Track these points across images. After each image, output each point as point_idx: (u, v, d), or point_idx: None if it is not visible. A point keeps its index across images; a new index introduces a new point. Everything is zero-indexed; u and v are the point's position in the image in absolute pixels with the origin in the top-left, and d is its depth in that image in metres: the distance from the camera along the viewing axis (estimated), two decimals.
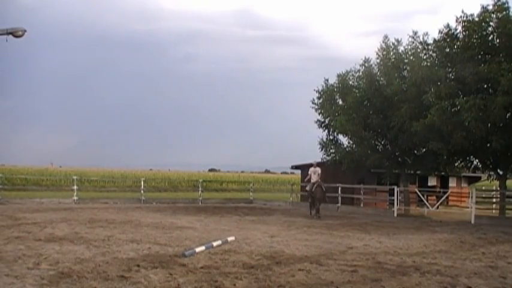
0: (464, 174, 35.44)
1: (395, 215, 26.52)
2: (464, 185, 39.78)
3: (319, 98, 30.06)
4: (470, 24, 23.70)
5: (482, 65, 22.78)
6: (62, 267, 9.76)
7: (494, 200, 31.37)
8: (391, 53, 27.88)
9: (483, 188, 37.70)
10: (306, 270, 10.20)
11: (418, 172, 31.69)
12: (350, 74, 29.45)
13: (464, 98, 22.73)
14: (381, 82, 28.05)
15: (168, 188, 47.38)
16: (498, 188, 28.53)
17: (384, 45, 28.22)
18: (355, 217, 24.91)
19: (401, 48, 27.80)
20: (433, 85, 24.49)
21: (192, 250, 11.75)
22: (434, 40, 25.43)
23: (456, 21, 24.22)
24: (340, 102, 29.71)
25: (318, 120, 30.56)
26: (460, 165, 29.17)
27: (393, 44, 28.07)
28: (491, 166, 26.73)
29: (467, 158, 27.52)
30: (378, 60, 28.40)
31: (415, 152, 29.14)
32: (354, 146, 29.46)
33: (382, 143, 29.79)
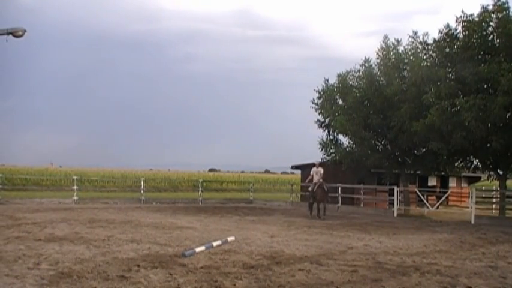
0: (464, 174, 35.45)
1: (395, 215, 26.52)
2: (464, 185, 39.79)
3: (319, 98, 30.07)
4: (470, 24, 23.70)
5: (482, 65, 22.78)
6: (62, 267, 9.76)
7: (494, 200, 31.36)
8: (391, 53, 27.88)
9: (483, 188, 37.70)
10: (306, 270, 10.21)
11: (418, 172, 31.69)
12: (350, 74, 29.47)
13: (464, 98, 22.73)
14: (381, 82, 28.06)
15: (168, 188, 47.37)
16: (498, 188, 28.53)
17: (384, 45, 28.22)
18: (355, 217, 24.91)
19: (401, 48, 27.81)
20: (433, 85, 24.49)
21: (192, 250, 11.75)
22: (434, 40, 25.43)
23: (456, 21, 24.23)
24: (340, 102, 29.72)
25: (318, 120, 30.59)
26: (460, 165, 29.17)
27: (393, 44, 28.08)
28: (491, 166, 26.72)
29: (467, 158, 27.52)
30: (378, 60, 28.40)
31: (415, 152, 29.14)
32: (354, 146, 29.47)
33: (382, 143, 29.79)
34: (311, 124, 31.09)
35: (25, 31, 16.56)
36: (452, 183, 38.37)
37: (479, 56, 23.73)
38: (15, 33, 16.36)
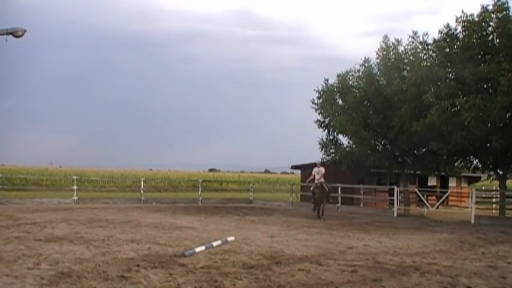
0: (464, 174, 35.43)
1: (395, 215, 26.51)
2: (464, 185, 39.76)
3: (319, 98, 30.07)
4: (470, 24, 23.70)
5: (482, 65, 22.79)
6: (62, 267, 9.76)
7: (494, 200, 31.38)
8: (391, 53, 27.87)
9: (483, 188, 37.70)
10: (305, 270, 10.21)
11: (418, 172, 31.67)
12: (350, 74, 29.46)
13: (464, 98, 22.74)
14: (380, 82, 28.05)
15: (168, 188, 47.34)
16: (498, 188, 28.53)
17: (383, 45, 28.21)
18: (355, 217, 24.90)
19: (401, 48, 27.80)
20: (433, 85, 24.48)
21: (192, 250, 11.75)
22: (434, 40, 25.42)
23: (456, 21, 24.23)
24: (340, 102, 29.71)
25: (318, 120, 30.57)
26: (460, 165, 29.16)
27: (393, 44, 28.07)
28: (491, 166, 26.72)
29: (467, 158, 27.51)
30: (378, 60, 28.39)
31: (415, 152, 29.13)
32: (354, 146, 29.46)
33: (382, 143, 29.78)
34: (311, 124, 31.11)
35: (25, 31, 16.57)
36: (452, 183, 38.34)
37: (479, 56, 23.73)
38: (15, 33, 16.37)
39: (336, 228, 19.24)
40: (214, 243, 12.99)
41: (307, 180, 25.44)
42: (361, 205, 30.53)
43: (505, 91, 21.70)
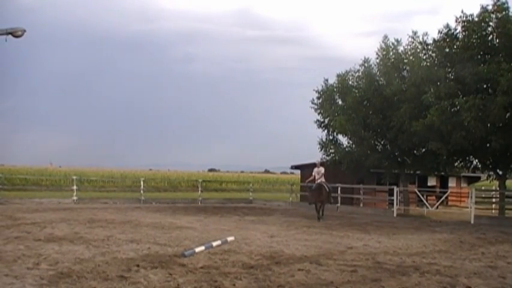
0: (463, 174, 35.44)
1: (394, 215, 26.52)
2: (463, 185, 39.78)
3: (318, 98, 30.08)
4: (469, 24, 23.71)
5: (482, 65, 22.80)
6: (62, 267, 9.76)
7: (493, 200, 31.34)
8: (391, 53, 27.88)
9: (483, 188, 37.67)
10: (305, 270, 10.21)
11: (418, 172, 31.70)
12: (350, 74, 29.47)
13: (464, 98, 22.74)
14: (380, 82, 28.06)
15: (168, 188, 47.36)
16: (498, 188, 28.53)
17: (383, 45, 28.22)
18: (354, 217, 24.91)
19: (401, 48, 27.82)
20: (433, 85, 24.49)
21: (191, 250, 11.75)
22: (434, 40, 25.42)
23: (456, 21, 24.24)
24: (340, 102, 29.72)
25: (318, 120, 30.57)
26: (460, 165, 29.15)
27: (393, 44, 28.08)
28: (490, 166, 26.73)
29: (467, 158, 27.50)
30: (378, 60, 28.40)
31: (415, 152, 29.13)
32: (354, 146, 29.48)
33: (382, 143, 29.79)
34: (311, 124, 31.11)
35: (24, 31, 16.59)
36: (451, 183, 38.36)
37: (479, 56, 23.74)
38: (14, 33, 16.39)
39: (336, 228, 19.24)
40: (214, 243, 12.99)
41: (307, 181, 25.35)
42: (361, 205, 30.54)
43: (505, 91, 21.71)
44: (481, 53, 23.80)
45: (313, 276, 9.70)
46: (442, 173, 32.77)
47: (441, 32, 24.87)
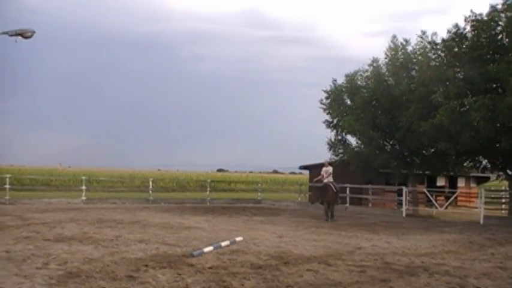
0: (473, 174, 35.22)
1: (403, 215, 26.44)
2: (473, 185, 39.61)
3: (327, 98, 30.08)
4: (479, 24, 23.56)
5: (491, 64, 22.64)
6: (71, 267, 9.79)
7: (503, 200, 31.23)
8: (400, 53, 27.82)
9: (492, 188, 37.50)
10: (314, 271, 10.20)
11: (427, 172, 31.60)
12: (358, 74, 29.44)
13: (473, 98, 22.62)
14: (389, 82, 28.01)
15: (176, 188, 47.42)
16: (507, 188, 28.39)
17: (392, 45, 28.17)
18: (363, 217, 24.86)
19: (409, 48, 27.76)
20: (442, 85, 24.39)
21: (200, 250, 11.76)
22: (443, 40, 25.30)
23: (465, 20, 24.07)
24: (349, 102, 29.70)
25: (326, 121, 30.54)
26: (469, 165, 29.03)
27: (401, 43, 28.01)
28: (500, 166, 26.60)
29: (476, 158, 27.40)
30: (386, 60, 28.36)
31: (424, 152, 29.05)
32: (362, 146, 29.42)
33: (391, 143, 29.73)
34: (319, 124, 31.09)
35: (34, 32, 16.69)
36: (461, 183, 38.21)
37: (488, 56, 23.60)
38: (24, 34, 16.48)
39: (344, 228, 19.21)
40: (223, 244, 13.00)
41: (314, 180, 25.30)
42: (370, 205, 30.51)
43: None
44: (490, 52, 23.66)
45: (322, 277, 9.69)
46: (451, 173, 32.65)
47: (450, 32, 24.74)
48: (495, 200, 31.66)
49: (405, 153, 29.25)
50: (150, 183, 31.99)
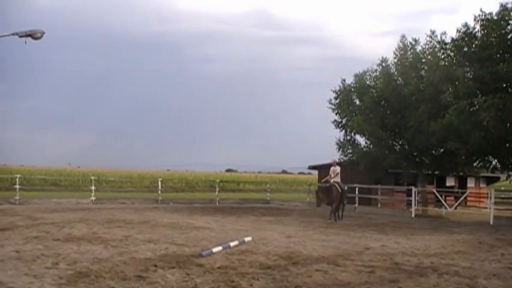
0: (482, 174, 35.09)
1: (413, 215, 26.36)
2: (482, 185, 39.45)
3: (336, 98, 30.06)
4: (488, 23, 23.44)
5: (501, 64, 22.54)
6: (80, 267, 9.83)
7: None
8: (409, 53, 27.76)
9: (502, 188, 37.34)
10: (323, 271, 10.19)
11: (436, 172, 31.50)
12: (367, 73, 29.42)
13: (483, 98, 22.52)
14: (398, 82, 27.95)
15: (185, 189, 47.51)
16: None
17: (401, 45, 28.11)
18: (372, 218, 24.81)
19: (418, 48, 27.69)
20: (451, 85, 24.31)
21: (209, 250, 11.77)
22: (452, 39, 25.18)
23: (474, 20, 23.95)
24: (357, 102, 29.67)
25: (335, 121, 30.53)
26: (479, 165, 28.90)
27: (411, 43, 27.96)
28: (510, 166, 26.46)
29: (486, 158, 27.26)
30: (395, 60, 28.29)
31: (433, 152, 28.96)
32: (371, 146, 29.38)
33: (400, 143, 29.66)
34: (328, 124, 31.07)
35: (43, 33, 16.76)
36: (470, 183, 38.05)
37: (498, 55, 23.48)
38: (34, 35, 16.56)
39: (353, 228, 19.18)
40: (232, 244, 13.00)
41: (322, 180, 25.22)
42: (379, 205, 30.42)
43: None
44: (500, 51, 23.53)
45: (331, 277, 9.68)
46: (461, 173, 32.53)
47: (459, 31, 24.62)
48: (505, 200, 31.50)
49: (414, 153, 29.17)
50: (159, 183, 32.08)
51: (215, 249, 11.94)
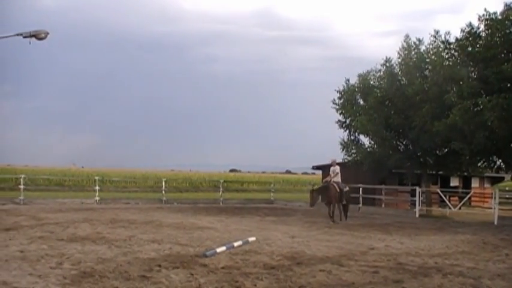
0: (487, 174, 35.01)
1: (417, 215, 26.32)
2: (487, 185, 39.39)
3: (340, 98, 30.00)
4: (493, 23, 23.38)
5: (506, 63, 22.46)
6: (84, 267, 9.85)
7: None
8: (413, 53, 27.69)
9: (506, 188, 37.28)
10: (326, 271, 10.18)
11: (440, 172, 31.43)
12: (371, 73, 29.34)
13: (487, 98, 22.45)
14: (402, 82, 27.89)
15: (189, 189, 47.58)
16: None
17: (405, 45, 28.04)
18: (376, 218, 24.78)
19: (422, 48, 27.61)
20: (455, 84, 24.27)
21: (213, 250, 11.78)
22: (457, 39, 25.11)
23: (479, 19, 23.86)
24: (361, 102, 29.61)
25: (339, 121, 30.48)
26: (483, 165, 28.82)
27: (415, 43, 27.87)
28: None
29: (490, 158, 27.20)
30: (399, 60, 28.23)
31: (437, 152, 28.91)
32: (375, 146, 29.33)
33: (404, 143, 29.61)
34: (332, 124, 31.03)
35: (47, 33, 16.77)
36: (474, 183, 37.98)
37: (502, 55, 23.42)
38: (38, 36, 16.58)
39: (357, 229, 19.16)
40: (235, 244, 13.01)
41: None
42: (383, 206, 30.39)
43: None
44: (505, 51, 23.48)
45: (335, 277, 9.68)
46: (465, 174, 32.47)
47: (464, 31, 24.54)
48: (509, 201, 31.45)
49: (418, 153, 29.11)
50: (163, 183, 32.10)
51: (219, 249, 11.95)
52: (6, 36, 17.15)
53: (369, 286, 9.08)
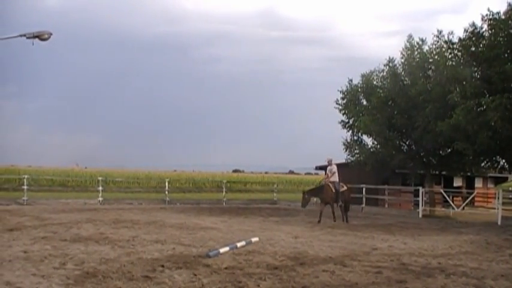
0: (490, 174, 34.95)
1: (420, 216, 26.30)
2: (490, 185, 39.29)
3: (343, 99, 30.01)
4: (496, 23, 23.33)
5: (509, 63, 22.41)
6: (87, 267, 9.86)
7: None
8: (416, 53, 27.69)
9: (510, 188, 37.20)
10: (330, 271, 10.18)
11: (443, 173, 31.41)
12: (374, 74, 29.35)
13: (490, 98, 22.40)
14: (405, 82, 27.89)
15: (192, 189, 47.50)
16: None
17: (408, 45, 28.05)
18: (379, 218, 24.76)
19: (425, 48, 27.63)
20: (459, 84, 24.22)
21: (216, 251, 11.78)
22: (460, 39, 25.05)
23: (482, 19, 23.81)
24: (364, 103, 29.61)
25: (342, 121, 30.48)
26: (486, 165, 28.78)
27: (418, 43, 27.89)
28: None
29: (494, 158, 27.15)
30: (402, 60, 28.23)
31: (440, 152, 28.89)
32: (379, 146, 29.32)
33: (407, 143, 29.60)
34: (335, 125, 31.01)
35: (51, 34, 16.77)
36: (478, 183, 37.88)
37: (506, 55, 23.36)
38: (41, 37, 16.58)
39: (360, 229, 19.14)
40: (239, 244, 13.01)
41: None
42: (386, 206, 30.37)
43: None
44: (508, 51, 23.41)
45: (338, 278, 9.67)
46: (468, 174, 32.40)
47: (467, 31, 24.47)
48: None
49: (422, 154, 29.11)
50: (166, 184, 32.14)
51: (222, 250, 11.95)
52: (9, 37, 17.16)
53: (372, 286, 9.08)
